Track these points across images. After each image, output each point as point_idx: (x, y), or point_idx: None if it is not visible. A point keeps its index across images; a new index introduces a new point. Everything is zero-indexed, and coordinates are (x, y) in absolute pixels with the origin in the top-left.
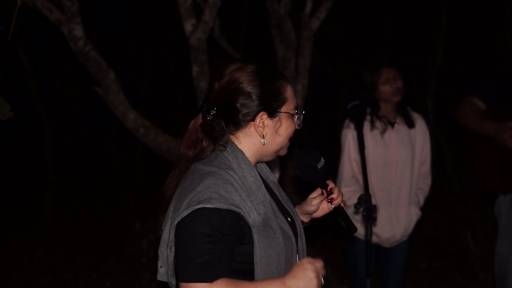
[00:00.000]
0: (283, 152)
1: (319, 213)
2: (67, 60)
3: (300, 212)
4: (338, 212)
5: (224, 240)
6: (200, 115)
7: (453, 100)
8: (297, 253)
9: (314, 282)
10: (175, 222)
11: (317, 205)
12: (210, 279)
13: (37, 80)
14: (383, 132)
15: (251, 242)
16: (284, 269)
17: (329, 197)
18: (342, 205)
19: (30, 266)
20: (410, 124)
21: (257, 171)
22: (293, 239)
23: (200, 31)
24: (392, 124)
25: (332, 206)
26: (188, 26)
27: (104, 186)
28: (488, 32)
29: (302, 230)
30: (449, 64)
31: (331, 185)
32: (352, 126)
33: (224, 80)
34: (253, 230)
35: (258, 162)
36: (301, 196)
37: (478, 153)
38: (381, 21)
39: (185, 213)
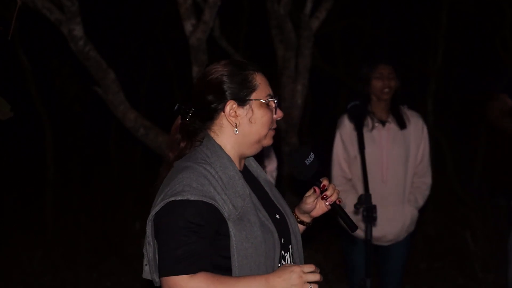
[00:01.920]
0: (267, 143)
1: (317, 212)
2: (67, 60)
3: (299, 212)
4: (335, 209)
5: (200, 231)
6: (179, 116)
7: (453, 100)
8: (288, 251)
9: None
10: (150, 217)
11: (312, 203)
12: (189, 271)
13: (37, 80)
14: (371, 129)
15: (227, 235)
16: (264, 263)
17: (323, 194)
18: (338, 202)
19: (30, 266)
20: (402, 125)
21: (248, 168)
22: (276, 234)
23: (200, 31)
24: (384, 123)
25: (327, 204)
26: (188, 26)
27: (104, 186)
28: (488, 32)
29: (297, 228)
30: (449, 64)
31: (324, 182)
32: (341, 126)
33: (196, 79)
34: (229, 222)
35: (243, 156)
36: (298, 197)
37: (506, 150)
38: (381, 21)
39: (158, 207)
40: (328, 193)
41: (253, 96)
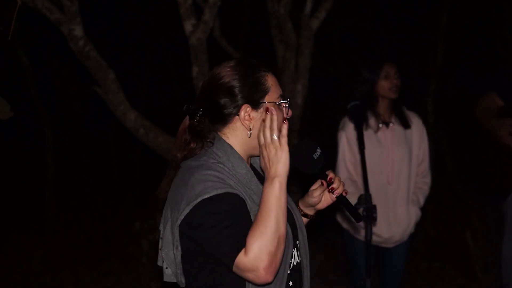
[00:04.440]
0: None
1: (322, 205)
2: (67, 60)
3: (303, 205)
4: (341, 201)
5: (234, 215)
6: (187, 117)
7: (453, 100)
8: (296, 247)
9: (282, 155)
10: (178, 222)
11: (319, 196)
12: (242, 246)
13: (37, 80)
14: (376, 131)
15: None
16: (283, 262)
17: (330, 187)
18: (344, 194)
19: (30, 266)
20: (406, 125)
21: (252, 165)
22: (289, 230)
23: (200, 31)
24: (387, 124)
25: (334, 196)
26: (188, 26)
27: (104, 186)
28: (488, 32)
29: (302, 224)
30: (449, 64)
31: (330, 175)
32: (346, 127)
33: (205, 79)
34: (251, 214)
35: (251, 156)
36: (302, 191)
37: (490, 151)
38: (381, 21)
39: (187, 210)
40: (334, 185)
41: (267, 99)
